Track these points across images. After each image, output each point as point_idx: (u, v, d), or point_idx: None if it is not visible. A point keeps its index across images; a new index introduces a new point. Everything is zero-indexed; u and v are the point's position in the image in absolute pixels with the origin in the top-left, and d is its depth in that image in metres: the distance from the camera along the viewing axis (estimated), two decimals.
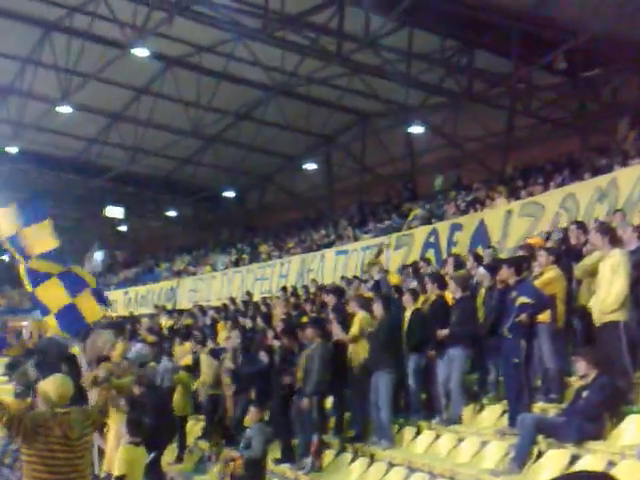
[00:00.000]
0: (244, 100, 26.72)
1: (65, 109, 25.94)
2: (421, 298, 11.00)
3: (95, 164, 32.66)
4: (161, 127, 28.55)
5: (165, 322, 20.91)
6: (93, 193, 36.47)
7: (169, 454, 12.41)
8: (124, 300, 31.42)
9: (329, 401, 11.34)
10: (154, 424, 11.37)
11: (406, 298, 10.99)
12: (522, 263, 9.45)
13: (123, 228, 41.40)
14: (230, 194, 35.00)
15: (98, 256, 44.00)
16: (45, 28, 23.22)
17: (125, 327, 22.22)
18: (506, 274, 9.19)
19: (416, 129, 24.88)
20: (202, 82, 24.84)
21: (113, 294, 32.55)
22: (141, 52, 21.55)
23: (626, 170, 14.49)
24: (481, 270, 10.86)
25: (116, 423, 9.66)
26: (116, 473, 8.49)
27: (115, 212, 37.38)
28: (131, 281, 35.60)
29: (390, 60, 20.46)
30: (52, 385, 6.12)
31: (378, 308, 10.62)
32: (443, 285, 10.80)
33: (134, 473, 8.59)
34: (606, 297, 8.21)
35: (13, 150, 30.32)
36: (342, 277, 17.97)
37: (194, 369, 14.33)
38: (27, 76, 25.37)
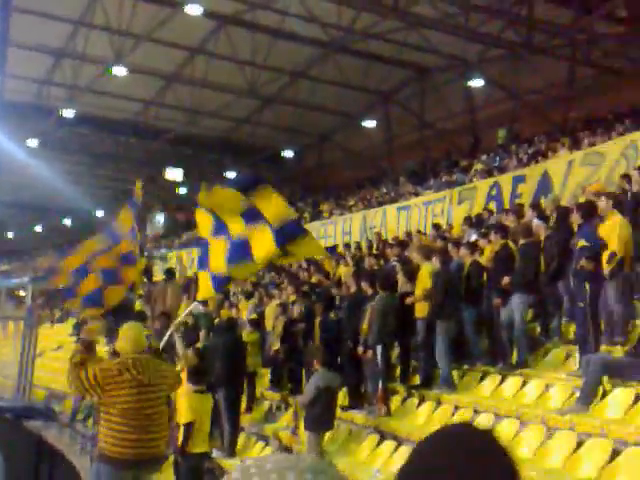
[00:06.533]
0: (300, 58, 26.74)
1: (120, 70, 25.88)
2: (486, 248, 11.17)
3: (152, 127, 33.12)
4: (217, 87, 28.64)
5: None
6: (152, 156, 37.03)
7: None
8: (187, 261, 32.00)
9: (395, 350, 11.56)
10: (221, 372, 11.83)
11: (463, 251, 11.25)
12: (590, 208, 9.48)
13: (183, 190, 41.98)
14: (289, 153, 35.18)
15: (159, 219, 44.81)
16: None
17: (190, 286, 22.92)
18: (574, 218, 9.31)
19: (476, 82, 24.66)
20: (257, 40, 24.86)
21: (176, 255, 33.25)
22: (194, 9, 21.38)
23: None
24: (536, 221, 11.01)
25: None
26: (183, 421, 8.81)
27: (174, 174, 37.81)
28: (194, 242, 36.19)
29: (448, 12, 20.29)
30: (124, 332, 6.37)
31: (437, 261, 10.83)
32: (506, 234, 10.92)
33: (201, 420, 8.91)
34: None
35: (69, 114, 30.48)
36: (405, 232, 18.14)
37: (259, 324, 14.73)
38: (79, 38, 25.47)
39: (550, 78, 23.95)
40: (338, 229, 23.31)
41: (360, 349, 10.84)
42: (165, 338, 8.13)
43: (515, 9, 20.69)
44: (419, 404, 10.38)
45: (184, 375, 8.65)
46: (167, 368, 6.59)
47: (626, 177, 12.06)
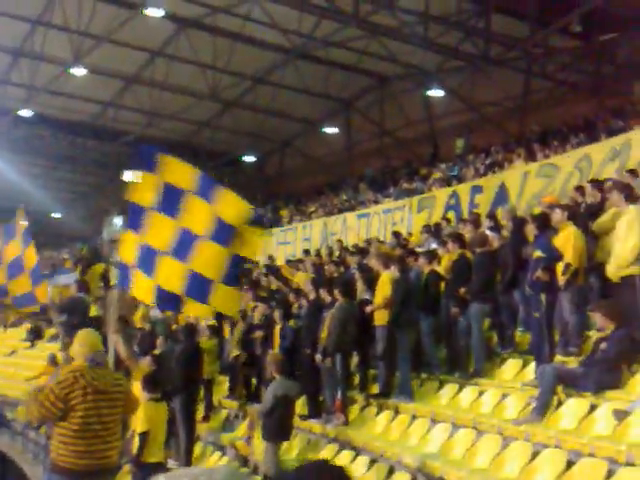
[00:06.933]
0: (261, 63, 26.69)
1: (78, 71, 25.47)
2: (444, 257, 11.28)
3: (111, 128, 32.76)
4: (177, 90, 28.43)
5: None
6: (110, 158, 36.56)
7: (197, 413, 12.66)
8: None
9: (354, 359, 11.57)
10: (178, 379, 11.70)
11: (421, 260, 11.39)
12: (545, 220, 9.64)
13: None
14: (250, 159, 35.08)
15: (116, 221, 44.26)
16: None
17: None
18: (529, 229, 9.48)
19: (434, 92, 24.90)
20: (218, 44, 24.71)
21: None
22: (156, 12, 21.06)
23: None
24: (487, 232, 11.17)
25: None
26: (139, 430, 8.75)
27: (132, 177, 37.30)
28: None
29: (407, 22, 20.46)
30: (81, 338, 6.29)
31: (395, 270, 10.86)
32: (463, 243, 11.04)
33: (156, 428, 8.85)
34: (622, 252, 8.45)
35: (27, 114, 29.99)
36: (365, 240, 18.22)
37: (218, 331, 14.64)
38: (37, 38, 24.93)
39: (506, 90, 24.31)
40: (298, 235, 23.33)
41: (318, 357, 10.82)
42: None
43: (473, 21, 20.98)
44: (377, 413, 10.41)
45: (137, 384, 8.61)
46: (120, 377, 6.56)
47: (579, 189, 12.29)
